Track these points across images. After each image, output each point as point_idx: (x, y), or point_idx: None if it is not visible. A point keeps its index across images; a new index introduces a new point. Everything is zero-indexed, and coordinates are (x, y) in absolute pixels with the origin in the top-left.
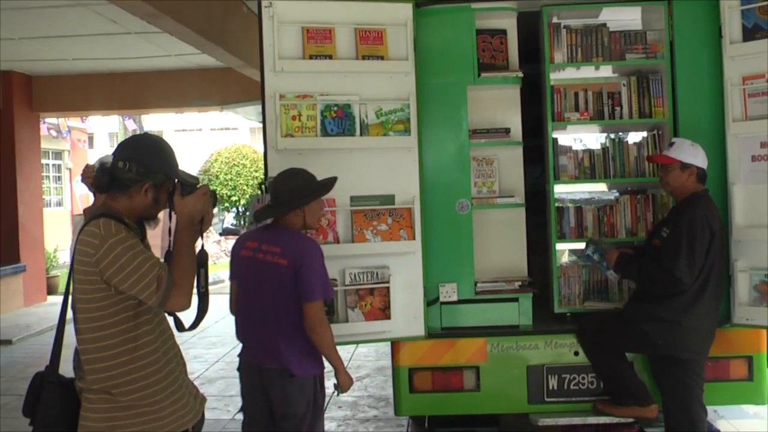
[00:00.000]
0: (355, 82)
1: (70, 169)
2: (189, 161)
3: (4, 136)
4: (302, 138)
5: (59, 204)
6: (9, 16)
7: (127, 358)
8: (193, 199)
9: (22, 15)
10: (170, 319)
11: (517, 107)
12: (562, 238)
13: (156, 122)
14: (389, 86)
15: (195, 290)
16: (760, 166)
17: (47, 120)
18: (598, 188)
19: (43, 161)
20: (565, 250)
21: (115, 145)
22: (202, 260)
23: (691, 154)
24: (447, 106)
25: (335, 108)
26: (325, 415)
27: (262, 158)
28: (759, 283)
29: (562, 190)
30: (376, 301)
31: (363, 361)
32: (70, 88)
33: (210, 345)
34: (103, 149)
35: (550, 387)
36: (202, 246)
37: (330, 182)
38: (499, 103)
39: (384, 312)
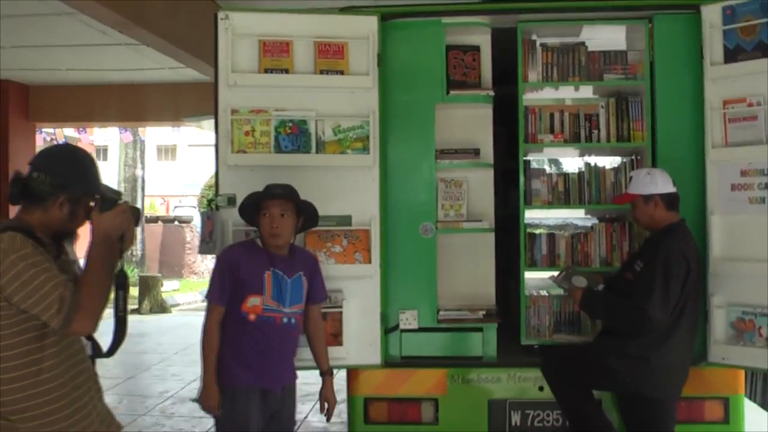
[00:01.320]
0: (313, 98)
1: None
2: (203, 176)
3: None
4: (255, 154)
5: None
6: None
7: (30, 382)
8: (111, 216)
9: (11, 23)
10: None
11: (488, 127)
12: (533, 265)
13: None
14: (349, 102)
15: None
16: (740, 196)
17: (45, 130)
18: (573, 215)
19: None
20: (536, 278)
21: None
22: (120, 282)
23: (648, 183)
24: (413, 124)
25: (290, 124)
26: None
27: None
28: (736, 320)
29: (535, 215)
30: (329, 326)
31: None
32: (67, 99)
33: (190, 363)
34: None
35: (513, 423)
36: (122, 267)
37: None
38: (470, 123)
39: (336, 338)
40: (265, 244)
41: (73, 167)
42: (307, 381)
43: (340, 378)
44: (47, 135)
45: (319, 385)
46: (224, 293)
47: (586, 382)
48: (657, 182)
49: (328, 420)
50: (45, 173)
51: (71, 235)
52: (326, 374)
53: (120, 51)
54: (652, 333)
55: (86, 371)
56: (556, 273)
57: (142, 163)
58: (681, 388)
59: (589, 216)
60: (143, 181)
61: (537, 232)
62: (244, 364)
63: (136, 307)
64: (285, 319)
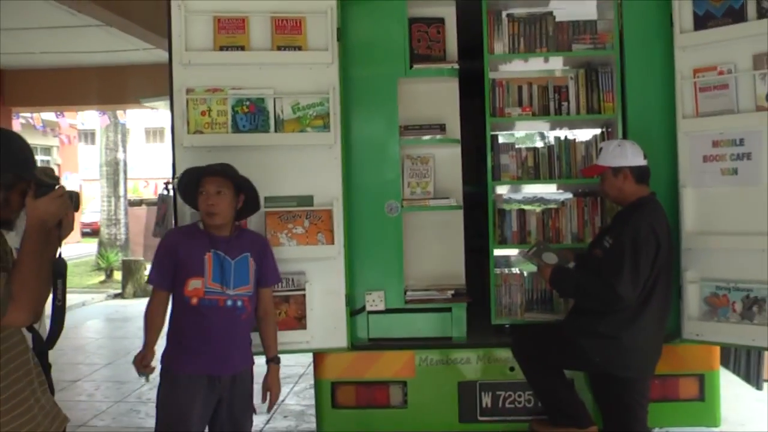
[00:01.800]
0: (270, 75)
1: (58, 165)
2: None
3: None
4: (212, 135)
5: None
6: None
7: None
8: (46, 202)
9: None
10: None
11: (455, 102)
12: (503, 243)
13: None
14: (308, 79)
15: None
16: (712, 168)
17: (23, 115)
18: (545, 190)
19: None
20: (508, 255)
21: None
22: (59, 270)
23: (617, 155)
24: (375, 100)
25: (247, 102)
26: (269, 425)
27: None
28: (709, 295)
29: (505, 191)
30: (292, 309)
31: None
32: (42, 83)
33: None
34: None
35: (484, 405)
36: (60, 254)
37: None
38: (436, 98)
39: (300, 321)
40: (206, 225)
41: (1, 151)
42: (287, 363)
43: (306, 361)
44: (24, 119)
45: (301, 367)
46: (163, 277)
47: (555, 362)
48: (627, 154)
49: (268, 410)
50: None
51: (8, 223)
52: (271, 362)
53: (92, 32)
54: (622, 311)
55: (25, 364)
56: (526, 249)
57: (124, 146)
58: (653, 367)
59: (561, 191)
60: (125, 164)
61: (507, 208)
62: (186, 349)
63: (119, 291)
64: (229, 302)
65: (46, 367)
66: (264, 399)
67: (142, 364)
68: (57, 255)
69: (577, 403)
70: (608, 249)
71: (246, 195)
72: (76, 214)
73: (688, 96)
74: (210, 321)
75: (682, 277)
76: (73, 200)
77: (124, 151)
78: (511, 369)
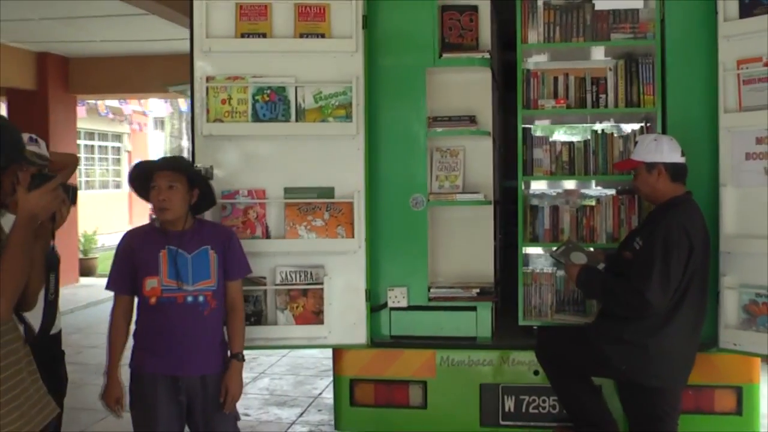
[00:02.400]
0: (292, 63)
1: (129, 152)
2: None
3: (39, 117)
4: (232, 123)
5: (117, 186)
6: None
7: None
8: (38, 195)
9: None
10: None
11: (487, 93)
12: (534, 240)
13: None
14: (331, 67)
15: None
16: (755, 166)
17: (88, 102)
18: (582, 186)
19: (102, 143)
20: (540, 254)
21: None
22: (51, 264)
23: (652, 150)
24: (402, 90)
25: (268, 91)
26: (302, 418)
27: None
28: (749, 302)
29: (538, 187)
30: (310, 303)
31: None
32: (105, 71)
33: None
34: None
35: (506, 409)
36: (53, 247)
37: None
38: (468, 89)
39: (317, 316)
40: (161, 222)
41: None
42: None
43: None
44: (89, 105)
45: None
46: (122, 281)
47: (579, 368)
48: (663, 149)
49: (223, 408)
50: None
51: (1, 207)
52: (234, 358)
53: (150, 21)
54: (650, 317)
55: (14, 353)
56: (554, 248)
57: (188, 134)
58: (684, 377)
59: (600, 188)
60: (189, 151)
61: (540, 204)
62: (148, 349)
63: None
64: (189, 299)
65: (57, 356)
66: (221, 397)
67: (111, 401)
68: (50, 248)
69: (602, 412)
70: (638, 251)
71: (200, 189)
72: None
73: (731, 89)
74: (169, 319)
75: (720, 282)
76: (69, 194)
77: (188, 139)
78: (536, 373)
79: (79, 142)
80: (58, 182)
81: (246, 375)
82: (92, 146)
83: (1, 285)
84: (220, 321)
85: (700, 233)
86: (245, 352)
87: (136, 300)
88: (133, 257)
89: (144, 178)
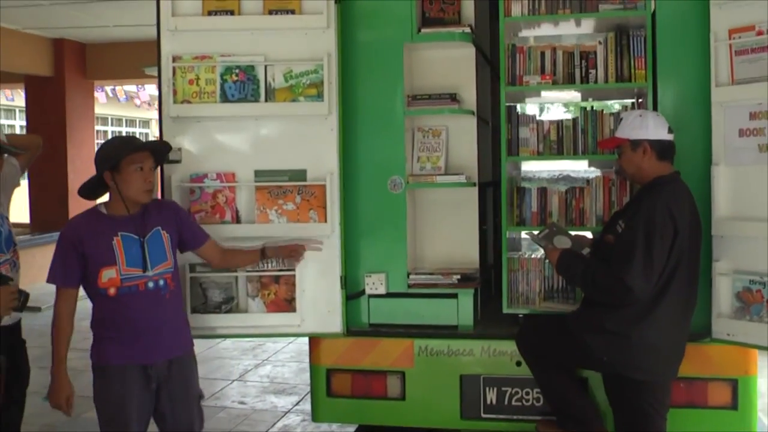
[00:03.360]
0: (262, 41)
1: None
2: None
3: (56, 103)
4: (200, 104)
5: None
6: None
7: None
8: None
9: None
10: None
11: (471, 70)
12: (521, 224)
13: None
14: (303, 45)
15: None
16: (749, 143)
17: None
18: (573, 166)
19: (130, 129)
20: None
21: None
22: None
23: (637, 126)
24: (378, 67)
25: (237, 70)
26: (298, 407)
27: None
28: (742, 290)
29: (532, 167)
30: (282, 290)
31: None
32: (121, 56)
33: None
34: None
35: (488, 401)
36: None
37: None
38: (450, 66)
39: (290, 303)
40: (111, 207)
41: None
42: None
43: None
44: (107, 91)
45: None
46: (69, 273)
47: (562, 359)
48: (648, 126)
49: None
50: None
51: None
52: (264, 248)
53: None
54: (632, 305)
55: None
56: (536, 231)
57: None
58: (673, 369)
59: (593, 168)
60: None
61: (526, 186)
62: (113, 340)
63: None
64: (151, 284)
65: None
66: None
67: (60, 402)
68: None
69: (586, 406)
70: (620, 235)
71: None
72: None
73: (723, 61)
74: (132, 309)
75: (712, 268)
76: (21, 300)
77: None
78: (518, 364)
79: (106, 128)
80: (16, 287)
81: (249, 362)
82: (120, 132)
83: None
84: (181, 300)
85: (687, 215)
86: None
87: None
88: (83, 247)
89: (115, 159)
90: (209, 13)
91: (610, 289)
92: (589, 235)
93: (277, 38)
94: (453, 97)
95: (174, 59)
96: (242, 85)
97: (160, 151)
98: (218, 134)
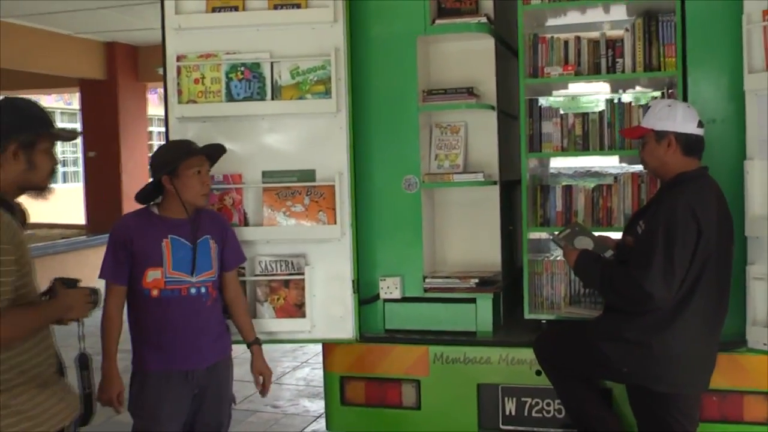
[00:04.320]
0: (268, 37)
1: None
2: None
3: (109, 106)
4: (206, 104)
5: None
6: None
7: None
8: (76, 293)
9: None
10: None
11: (490, 63)
12: (545, 225)
13: None
14: (310, 40)
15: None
16: None
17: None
18: (605, 162)
19: None
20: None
21: None
22: (83, 363)
23: (664, 117)
24: (390, 62)
25: (242, 68)
26: None
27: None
28: None
29: (556, 165)
30: (291, 295)
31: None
32: None
33: None
34: None
35: (507, 412)
36: (83, 350)
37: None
38: (469, 59)
39: (299, 309)
40: (165, 209)
41: (11, 112)
42: None
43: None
44: (160, 93)
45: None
46: (119, 270)
47: (582, 369)
48: (676, 117)
49: (263, 395)
50: None
51: (40, 189)
52: (253, 345)
53: None
54: (654, 312)
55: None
56: (557, 231)
57: None
58: (700, 381)
59: (624, 164)
60: None
61: (550, 184)
62: (152, 345)
63: None
64: (193, 290)
65: None
66: (258, 384)
67: (110, 397)
68: (80, 351)
69: (608, 420)
70: (639, 236)
71: None
72: None
73: (757, 45)
74: (173, 313)
75: (746, 272)
76: (96, 297)
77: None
78: (538, 373)
79: (161, 129)
80: (87, 287)
81: (288, 364)
82: None
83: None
84: (221, 306)
85: (714, 214)
86: None
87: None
88: (132, 245)
89: (174, 164)
90: (213, 10)
91: (628, 295)
92: (616, 235)
93: (283, 34)
94: (470, 92)
95: (179, 58)
96: (248, 83)
97: (215, 154)
98: (224, 134)
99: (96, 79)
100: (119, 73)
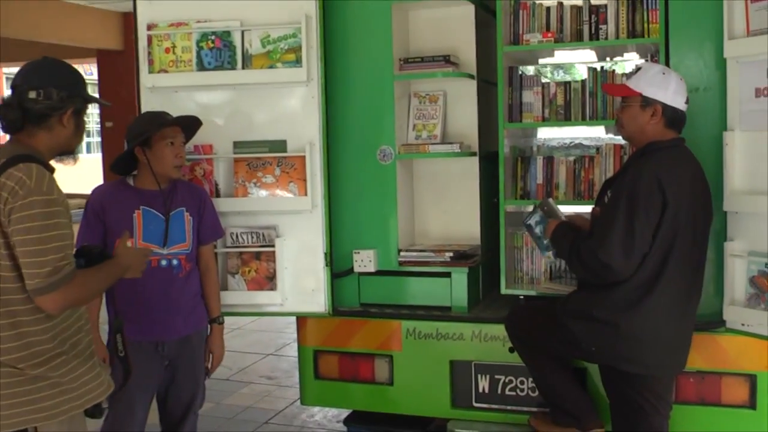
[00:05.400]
0: (238, 5)
1: None
2: None
3: (127, 76)
4: (177, 74)
5: None
6: None
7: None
8: (137, 252)
9: None
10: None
11: (470, 30)
12: (525, 197)
13: None
14: (281, 7)
15: (116, 352)
16: (766, 104)
17: None
18: (588, 133)
19: None
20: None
21: None
22: (117, 327)
23: (657, 84)
24: (364, 29)
25: (213, 37)
26: None
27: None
28: (757, 274)
29: (548, 134)
30: (263, 267)
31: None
32: None
33: None
34: None
35: (480, 389)
36: (117, 315)
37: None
38: (448, 26)
39: (270, 281)
40: (139, 181)
41: (71, 75)
42: None
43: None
44: None
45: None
46: (93, 239)
47: (552, 348)
48: (669, 87)
49: (208, 375)
50: (46, 89)
51: (74, 152)
52: (213, 322)
53: None
54: (619, 287)
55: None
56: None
57: None
58: (673, 363)
59: (610, 135)
60: None
61: (533, 155)
62: (125, 316)
63: None
64: (164, 262)
65: None
66: (206, 361)
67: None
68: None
69: (580, 400)
70: (605, 206)
71: None
72: None
73: (738, 8)
74: (144, 285)
75: (725, 249)
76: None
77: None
78: (511, 350)
79: None
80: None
81: (290, 336)
82: None
83: (71, 286)
84: (197, 279)
85: (686, 186)
86: None
87: None
88: (105, 216)
89: (146, 134)
90: None
91: (590, 265)
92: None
93: (254, 1)
94: (447, 59)
95: (149, 27)
96: (218, 52)
97: (191, 126)
98: (196, 104)
99: (113, 49)
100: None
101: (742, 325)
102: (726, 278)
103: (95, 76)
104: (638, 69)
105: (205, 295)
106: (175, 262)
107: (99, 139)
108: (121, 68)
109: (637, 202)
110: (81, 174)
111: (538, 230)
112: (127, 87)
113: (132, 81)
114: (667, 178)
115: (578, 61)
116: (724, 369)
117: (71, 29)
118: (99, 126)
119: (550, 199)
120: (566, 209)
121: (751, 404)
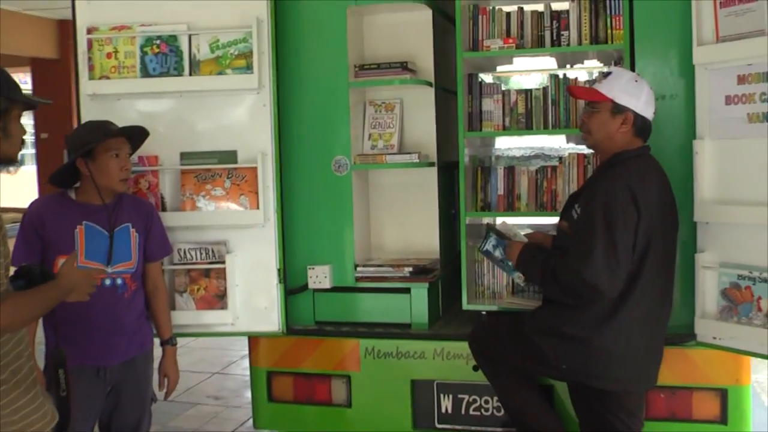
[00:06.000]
0: (185, 8)
1: None
2: None
3: (63, 86)
4: (119, 80)
5: None
6: None
7: None
8: (83, 273)
9: None
10: None
11: (428, 36)
12: (486, 209)
13: None
14: (230, 10)
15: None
16: (737, 112)
17: None
18: (550, 142)
19: None
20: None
21: None
22: (59, 361)
23: (629, 91)
24: (318, 34)
25: (157, 41)
26: None
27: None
28: (729, 286)
29: (506, 145)
30: (212, 285)
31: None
32: None
33: None
34: None
35: (443, 409)
36: (57, 345)
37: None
38: (407, 32)
39: (221, 299)
40: (82, 195)
41: (8, 81)
42: None
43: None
44: None
45: None
46: (30, 255)
47: (519, 366)
48: (641, 96)
49: (166, 397)
50: None
51: (12, 161)
52: (166, 344)
53: None
54: (592, 306)
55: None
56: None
57: None
58: (643, 378)
59: (572, 145)
60: None
61: (493, 165)
62: (64, 338)
63: None
64: (107, 281)
65: None
66: (161, 386)
67: None
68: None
69: (547, 419)
70: (576, 221)
71: None
72: None
73: (707, 14)
74: (85, 305)
75: (696, 260)
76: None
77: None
78: (475, 368)
79: None
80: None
81: (236, 353)
82: None
83: (8, 307)
84: (142, 298)
85: (655, 196)
86: None
87: None
88: (44, 230)
89: (90, 145)
90: None
91: (573, 288)
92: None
93: (202, 4)
94: (404, 66)
95: (89, 31)
96: (164, 57)
97: (137, 137)
98: (140, 113)
99: (48, 58)
100: (72, 52)
101: (714, 338)
102: (697, 290)
103: (29, 86)
104: (608, 74)
105: (154, 316)
106: (119, 281)
107: (34, 150)
108: (56, 77)
109: (615, 216)
110: (15, 187)
111: (498, 253)
112: (62, 97)
113: (68, 90)
114: (638, 188)
115: (537, 69)
116: (695, 384)
117: (4, 37)
118: (33, 137)
119: (502, 222)
120: (530, 221)
121: (722, 419)
